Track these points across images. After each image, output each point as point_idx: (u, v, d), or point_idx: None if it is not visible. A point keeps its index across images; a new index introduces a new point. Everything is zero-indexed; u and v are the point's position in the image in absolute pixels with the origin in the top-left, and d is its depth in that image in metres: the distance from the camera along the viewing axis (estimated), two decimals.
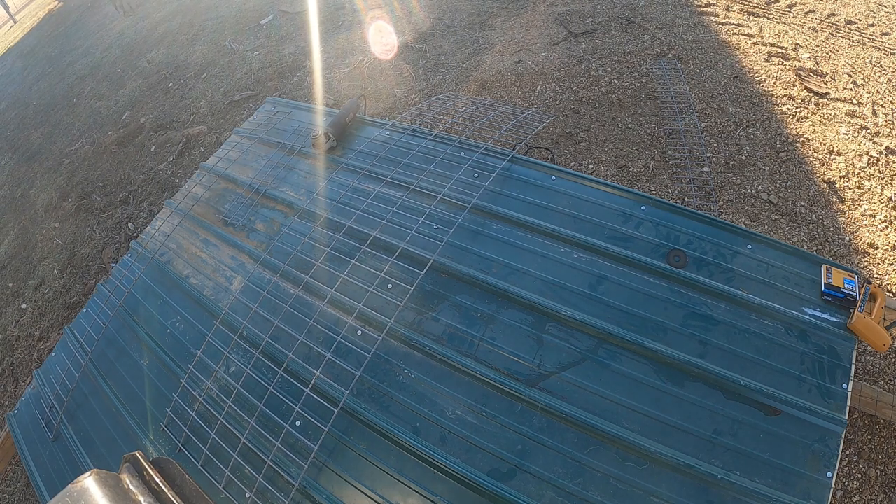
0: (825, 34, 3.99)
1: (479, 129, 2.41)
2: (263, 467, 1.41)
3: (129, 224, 4.31)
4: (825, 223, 2.80)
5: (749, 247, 1.56)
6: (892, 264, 2.60)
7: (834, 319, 1.39)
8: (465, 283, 1.64)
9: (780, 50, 3.89)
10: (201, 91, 5.65)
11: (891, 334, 1.48)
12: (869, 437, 2.12)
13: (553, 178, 1.86)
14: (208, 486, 1.44)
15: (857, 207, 2.86)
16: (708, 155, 3.22)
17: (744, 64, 3.81)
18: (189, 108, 5.46)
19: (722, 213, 2.92)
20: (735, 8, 4.44)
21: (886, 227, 2.74)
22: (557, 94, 3.92)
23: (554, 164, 1.97)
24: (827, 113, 3.37)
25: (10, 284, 4.35)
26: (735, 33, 4.13)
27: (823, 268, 1.47)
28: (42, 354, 3.57)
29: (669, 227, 1.64)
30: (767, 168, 3.10)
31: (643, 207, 1.70)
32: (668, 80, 3.77)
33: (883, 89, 3.47)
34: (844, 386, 1.28)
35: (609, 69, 4.01)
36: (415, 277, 1.64)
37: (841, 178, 3.00)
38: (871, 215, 2.81)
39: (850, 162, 3.06)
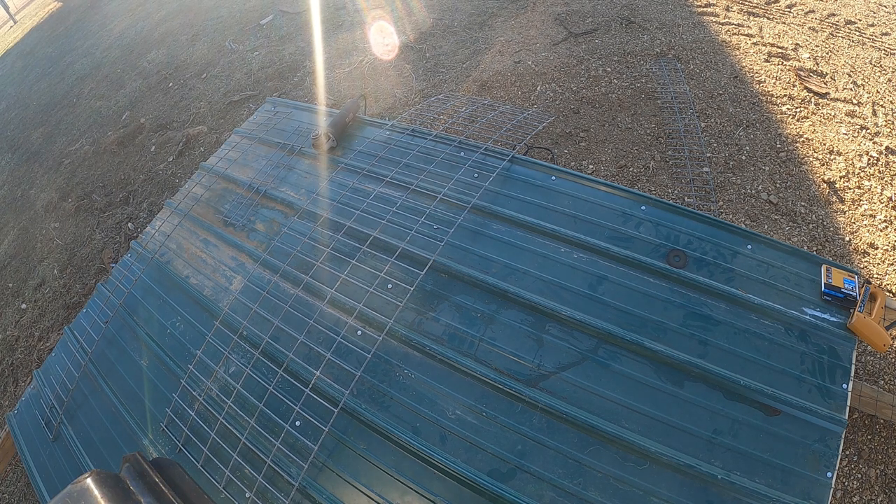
0: (825, 34, 3.99)
1: (479, 129, 2.41)
2: (263, 467, 1.41)
3: (129, 224, 4.31)
4: (825, 223, 2.80)
5: (749, 247, 1.56)
6: (892, 264, 2.60)
7: (834, 319, 1.39)
8: (465, 283, 1.64)
9: (780, 50, 3.89)
10: (201, 91, 5.65)
11: (891, 334, 1.48)
12: (869, 437, 2.12)
13: (553, 178, 1.86)
14: (208, 486, 1.44)
15: (857, 207, 2.86)
16: (708, 155, 3.22)
17: (744, 64, 3.82)
18: (189, 108, 5.46)
19: (722, 213, 2.92)
20: (735, 8, 4.44)
21: (886, 227, 2.74)
22: (557, 94, 3.92)
23: (554, 164, 1.97)
24: (827, 113, 3.37)
25: (10, 284, 4.35)
26: (735, 33, 4.13)
27: (823, 268, 1.47)
28: (42, 354, 3.57)
29: (669, 227, 1.64)
30: (767, 168, 3.10)
31: (643, 207, 1.70)
32: (668, 80, 3.77)
33: (883, 89, 3.47)
34: (844, 386, 1.28)
35: (609, 69, 4.01)
36: (415, 277, 1.64)
37: (841, 178, 3.00)
38: (871, 215, 2.81)
39: (850, 162, 3.06)
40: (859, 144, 3.14)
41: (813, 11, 4.24)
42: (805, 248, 2.71)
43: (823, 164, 3.08)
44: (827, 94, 3.49)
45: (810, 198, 2.92)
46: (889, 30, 3.94)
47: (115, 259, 4.01)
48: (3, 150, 6.52)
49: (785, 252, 1.53)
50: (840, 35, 3.96)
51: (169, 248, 2.14)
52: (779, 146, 3.21)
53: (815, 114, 3.38)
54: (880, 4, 4.22)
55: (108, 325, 1.98)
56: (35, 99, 7.43)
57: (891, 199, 2.84)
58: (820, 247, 2.71)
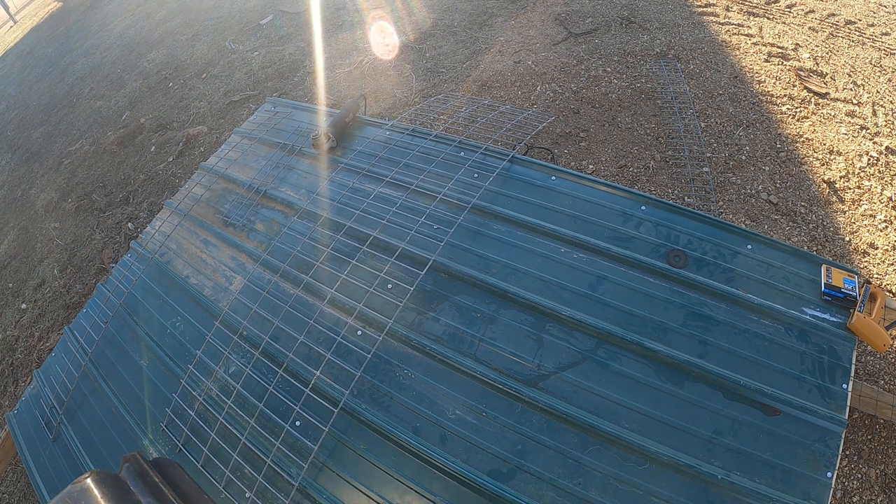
0: (825, 34, 3.99)
1: (479, 129, 2.41)
2: (263, 467, 1.41)
3: (129, 224, 4.31)
4: (825, 223, 2.80)
5: (749, 247, 1.56)
6: (892, 264, 2.60)
7: (834, 319, 1.39)
8: (465, 283, 1.64)
9: (780, 50, 3.89)
10: (201, 91, 5.65)
11: (891, 334, 1.48)
12: (869, 437, 2.12)
13: (553, 178, 1.86)
14: (208, 486, 1.44)
15: (857, 207, 2.86)
16: (708, 155, 3.22)
17: (744, 64, 3.82)
18: (189, 108, 5.46)
19: (722, 213, 2.92)
20: (735, 8, 4.44)
21: (886, 227, 2.74)
22: (557, 94, 3.92)
23: (554, 164, 1.97)
24: (827, 113, 3.37)
25: (10, 284, 4.35)
26: (735, 33, 4.13)
27: (823, 268, 1.47)
28: (42, 354, 3.57)
29: (669, 227, 1.64)
30: (767, 168, 3.10)
31: (643, 207, 1.70)
32: (668, 80, 3.77)
33: (883, 89, 3.47)
34: (844, 386, 1.28)
35: (609, 69, 4.01)
36: (415, 277, 1.64)
37: (841, 178, 3.00)
38: (871, 215, 2.81)
39: (850, 162, 3.06)
40: (859, 144, 3.14)
41: (813, 11, 4.24)
42: (805, 248, 2.71)
43: (823, 164, 3.08)
44: (827, 94, 3.49)
45: (810, 198, 2.92)
46: (889, 30, 3.94)
47: (115, 259, 4.01)
48: (3, 150, 6.52)
49: (785, 252, 1.53)
50: (840, 35, 3.96)
51: (169, 248, 2.14)
52: (779, 146, 3.21)
53: (815, 114, 3.38)
54: (880, 4, 4.22)
55: (108, 325, 1.98)
56: (35, 99, 7.43)
57: (891, 199, 2.84)
58: (820, 247, 2.71)
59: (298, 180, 2.18)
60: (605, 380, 1.39)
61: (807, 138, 3.23)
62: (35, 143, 6.25)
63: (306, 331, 1.62)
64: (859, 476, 2.04)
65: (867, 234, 2.73)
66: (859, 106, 3.38)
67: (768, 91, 3.56)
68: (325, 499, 1.34)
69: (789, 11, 4.29)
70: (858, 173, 3.00)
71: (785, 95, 3.51)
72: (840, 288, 1.41)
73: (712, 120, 3.43)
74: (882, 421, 2.13)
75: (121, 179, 4.87)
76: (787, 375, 1.32)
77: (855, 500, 2.00)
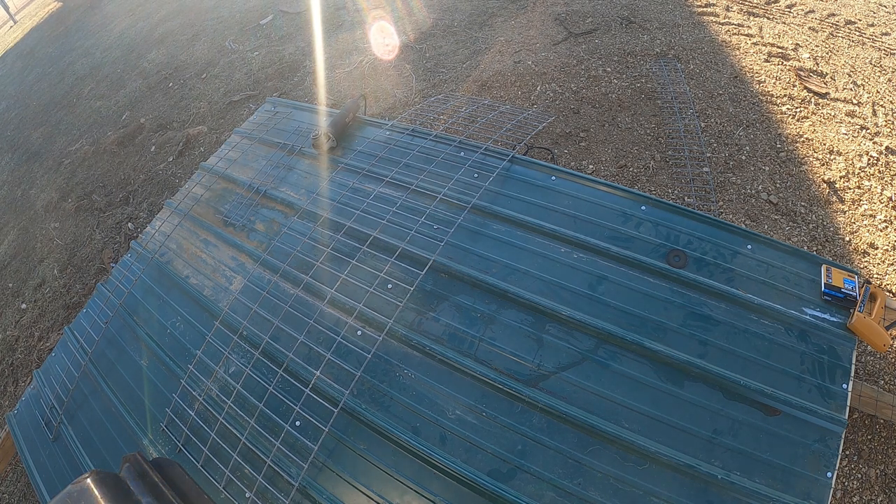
0: (825, 34, 3.99)
1: (479, 129, 2.41)
2: (263, 467, 1.41)
3: (129, 224, 4.31)
4: (825, 223, 2.80)
5: (749, 247, 1.56)
6: (892, 264, 2.60)
7: (834, 319, 1.39)
8: (465, 283, 1.64)
9: (780, 50, 3.89)
10: (201, 91, 5.65)
11: (891, 334, 1.48)
12: (869, 437, 2.12)
13: (553, 178, 1.86)
14: (208, 486, 1.44)
15: (857, 207, 2.86)
16: (708, 155, 3.22)
17: (744, 64, 3.82)
18: (189, 108, 5.46)
19: (722, 213, 2.92)
20: (735, 8, 4.44)
21: (886, 227, 2.74)
22: (557, 94, 3.92)
23: (554, 164, 1.97)
24: (827, 113, 3.37)
25: (10, 284, 4.35)
26: (735, 33, 4.13)
27: (823, 268, 1.47)
28: (42, 354, 3.57)
29: (669, 227, 1.64)
30: (767, 168, 3.10)
31: (643, 207, 1.70)
32: (668, 80, 3.77)
33: (883, 89, 3.47)
34: (844, 386, 1.28)
35: (609, 69, 4.01)
36: (415, 277, 1.64)
37: (841, 178, 3.00)
38: (871, 215, 2.81)
39: (850, 162, 3.06)
40: (859, 144, 3.14)
41: (813, 11, 4.24)
42: (805, 248, 2.71)
43: (823, 164, 3.08)
44: (827, 94, 3.49)
45: (810, 198, 2.92)
46: (889, 30, 3.94)
47: (115, 259, 4.01)
48: (3, 150, 6.52)
49: (785, 252, 1.53)
50: (840, 35, 3.96)
51: (169, 248, 2.14)
52: (779, 146, 3.21)
53: (815, 114, 3.38)
54: (880, 4, 4.22)
55: (108, 325, 1.98)
56: (35, 99, 7.43)
57: (891, 199, 2.84)
58: (820, 247, 2.71)
59: (298, 180, 2.18)
60: (605, 380, 1.39)
61: (807, 138, 3.23)
62: (35, 143, 6.25)
63: (306, 331, 1.62)
64: (859, 476, 2.04)
65: (867, 234, 2.73)
66: (859, 106, 3.38)
67: (768, 91, 3.56)
68: (325, 499, 1.34)
69: (789, 11, 4.29)
70: (858, 173, 3.00)
71: (785, 95, 3.51)
72: (840, 288, 1.41)
73: (712, 120, 3.43)
74: (882, 421, 2.13)
75: (121, 179, 4.87)
76: (787, 375, 1.32)
77: (855, 500, 2.00)
